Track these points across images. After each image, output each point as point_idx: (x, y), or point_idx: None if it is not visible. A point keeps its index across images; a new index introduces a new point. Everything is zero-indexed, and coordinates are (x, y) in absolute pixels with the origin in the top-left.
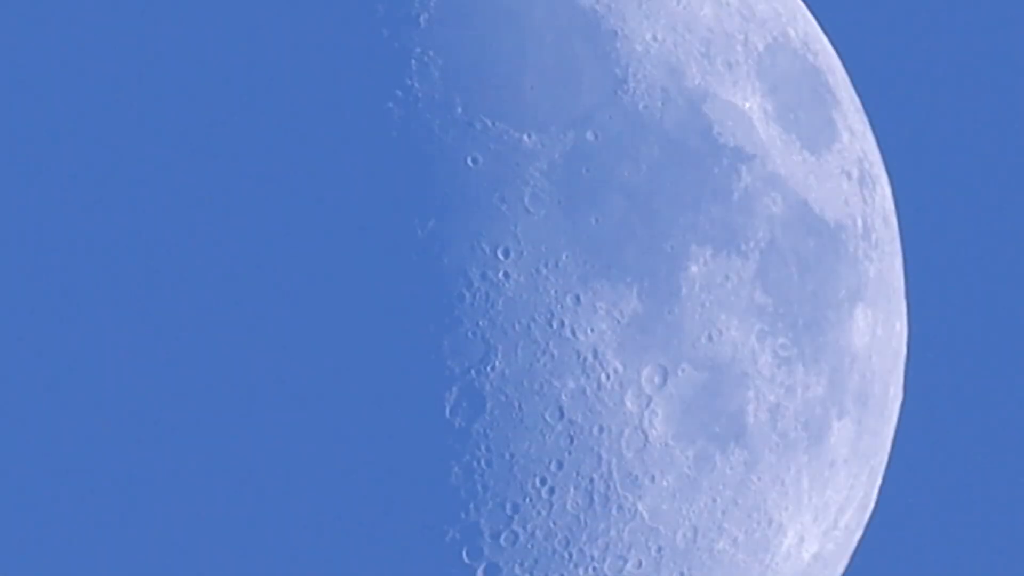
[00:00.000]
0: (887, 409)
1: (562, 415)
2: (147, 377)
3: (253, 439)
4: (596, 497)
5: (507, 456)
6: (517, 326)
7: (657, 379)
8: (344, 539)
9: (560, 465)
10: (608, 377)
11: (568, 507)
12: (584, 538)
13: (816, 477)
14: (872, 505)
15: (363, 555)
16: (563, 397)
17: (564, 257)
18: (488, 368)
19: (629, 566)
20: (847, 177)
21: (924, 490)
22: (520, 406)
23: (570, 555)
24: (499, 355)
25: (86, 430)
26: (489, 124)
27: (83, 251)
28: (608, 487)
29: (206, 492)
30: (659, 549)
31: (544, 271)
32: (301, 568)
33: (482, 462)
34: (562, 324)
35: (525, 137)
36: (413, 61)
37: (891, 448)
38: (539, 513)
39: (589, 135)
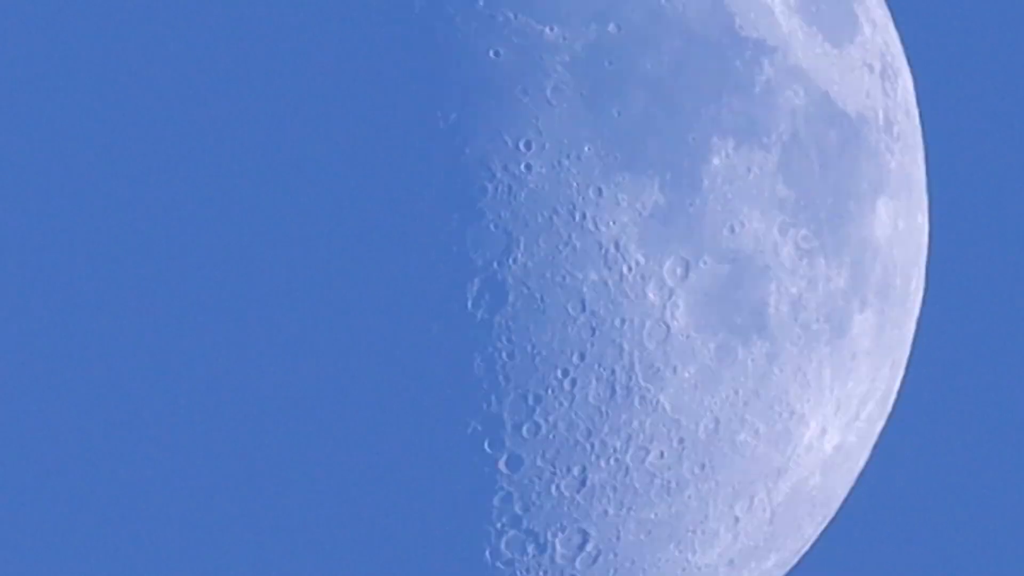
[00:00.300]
0: (909, 302)
1: (584, 307)
2: (159, 325)
3: (266, 306)
4: (618, 389)
5: (529, 348)
6: (539, 218)
7: (679, 271)
8: (364, 428)
9: (582, 357)
10: (630, 269)
11: (590, 399)
12: (606, 429)
13: (838, 369)
14: (894, 397)
15: (384, 444)
16: (585, 289)
17: (586, 149)
18: (510, 260)
19: (651, 457)
20: (869, 70)
21: (945, 382)
22: (542, 298)
23: (592, 446)
24: (521, 247)
25: (103, 426)
26: (511, 17)
27: (103, 250)
28: (630, 379)
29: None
30: (680, 440)
31: (566, 163)
32: (321, 457)
33: (504, 354)
34: (584, 216)
35: (547, 30)
36: None
37: (913, 340)
38: (561, 405)
39: (611, 27)
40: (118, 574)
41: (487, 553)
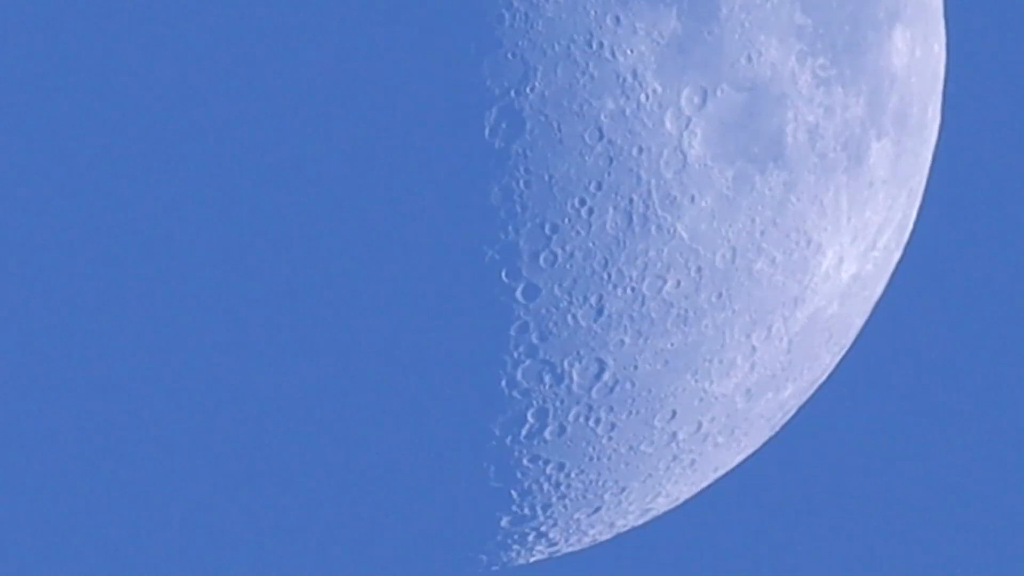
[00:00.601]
0: (926, 130)
1: (601, 136)
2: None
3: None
4: (635, 217)
5: (546, 177)
6: (556, 47)
7: (696, 100)
8: (381, 263)
9: (599, 186)
10: (647, 98)
11: (607, 228)
12: (623, 259)
13: (855, 197)
14: (911, 226)
15: (400, 272)
16: (602, 118)
17: None
18: (528, 89)
19: (667, 287)
20: None
21: (962, 211)
22: (559, 127)
23: (609, 275)
24: (538, 76)
25: (103, 426)
26: None
27: (118, 250)
28: (647, 207)
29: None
30: (698, 269)
31: None
32: (339, 290)
33: (521, 183)
34: (601, 45)
35: None
36: None
37: (929, 169)
38: (578, 234)
39: None
40: (118, 574)
41: (503, 382)
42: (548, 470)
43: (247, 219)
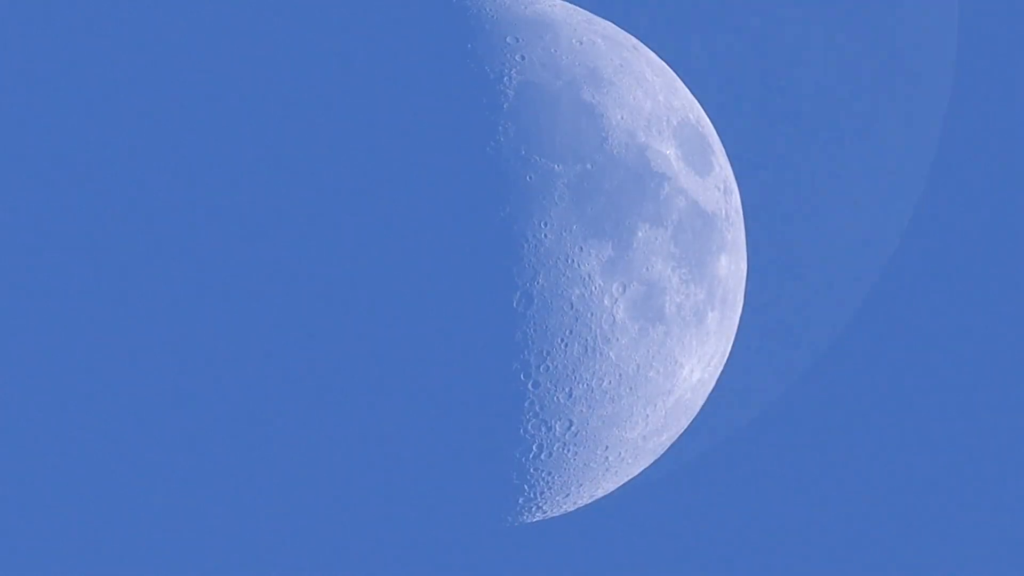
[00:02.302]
0: (736, 307)
1: (572, 306)
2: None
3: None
4: (588, 348)
5: (544, 328)
6: (549, 262)
7: (620, 289)
8: (426, 377)
9: (570, 331)
10: (596, 288)
11: (574, 353)
12: (583, 368)
13: (700, 340)
14: (727, 355)
15: (444, 376)
16: (573, 298)
17: (574, 228)
18: (537, 281)
19: (604, 383)
20: (717, 188)
21: (969, 190)
22: (551, 302)
23: (576, 377)
24: (540, 277)
25: (128, 420)
26: (537, 159)
27: (152, 246)
28: (596, 343)
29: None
30: (619, 375)
31: (565, 235)
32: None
33: (532, 329)
34: (573, 261)
35: (555, 166)
36: None
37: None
38: (560, 355)
39: (588, 165)
40: (118, 574)
41: (520, 430)
42: (543, 475)
43: (257, 212)
